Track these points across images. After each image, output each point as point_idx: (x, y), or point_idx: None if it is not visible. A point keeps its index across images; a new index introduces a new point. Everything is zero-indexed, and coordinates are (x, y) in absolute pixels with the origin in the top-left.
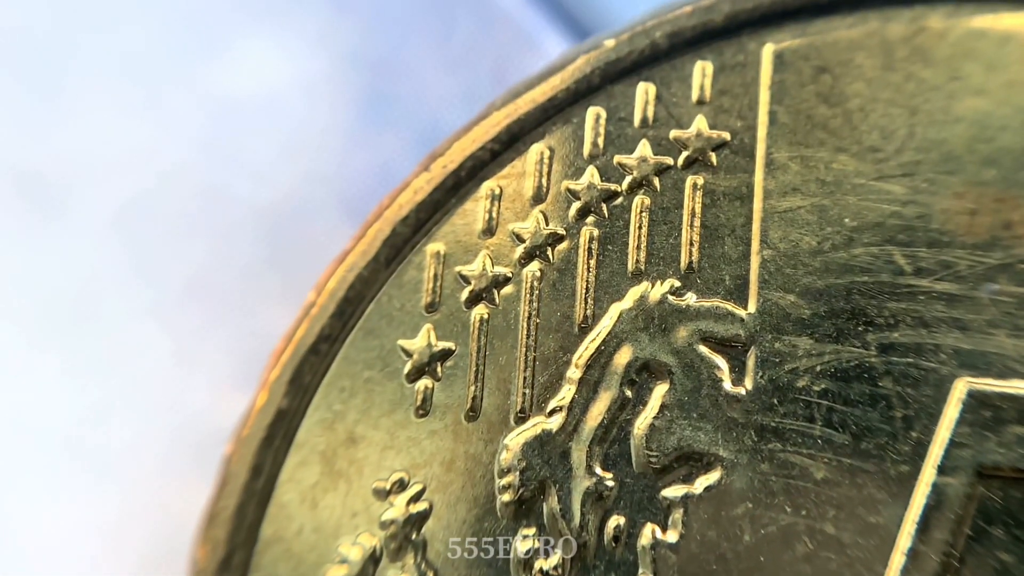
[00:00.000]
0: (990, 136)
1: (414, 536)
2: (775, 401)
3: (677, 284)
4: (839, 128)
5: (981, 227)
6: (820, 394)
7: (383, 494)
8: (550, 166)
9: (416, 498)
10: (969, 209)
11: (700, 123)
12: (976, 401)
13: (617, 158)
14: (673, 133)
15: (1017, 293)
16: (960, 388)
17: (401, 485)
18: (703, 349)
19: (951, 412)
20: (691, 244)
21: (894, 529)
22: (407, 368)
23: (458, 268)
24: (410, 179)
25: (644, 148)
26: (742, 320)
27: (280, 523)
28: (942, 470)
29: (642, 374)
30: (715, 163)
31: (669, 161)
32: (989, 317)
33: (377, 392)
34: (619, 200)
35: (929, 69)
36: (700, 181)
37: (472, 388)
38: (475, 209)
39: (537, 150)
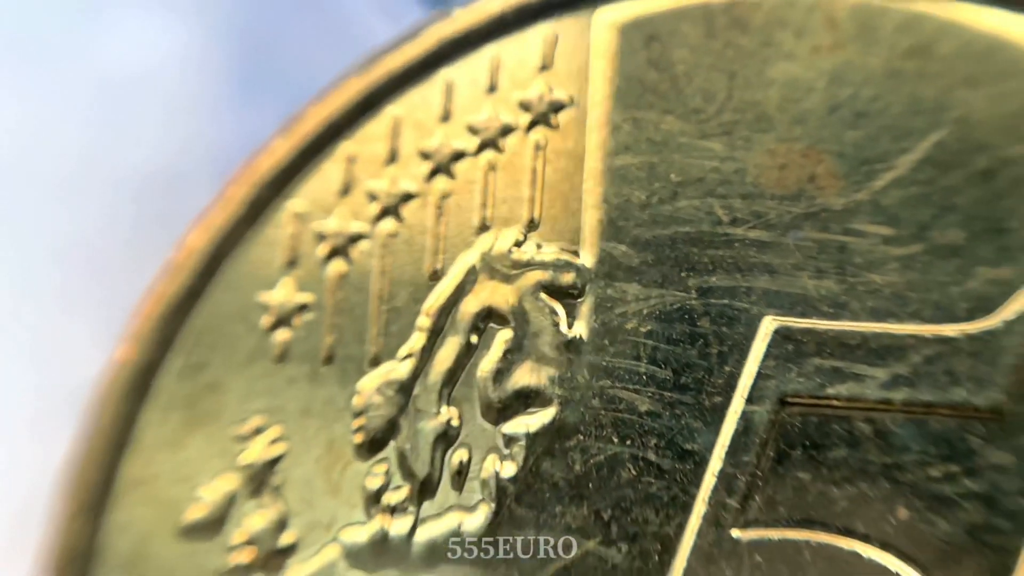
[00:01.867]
0: (798, 97)
1: (271, 477)
2: (606, 343)
3: (520, 237)
4: (667, 92)
5: (789, 180)
6: (646, 335)
7: (242, 438)
8: (403, 129)
9: (273, 441)
10: (779, 164)
11: (542, 87)
12: (781, 336)
13: (466, 121)
14: (518, 97)
15: (819, 239)
16: (767, 325)
17: (259, 429)
18: (543, 297)
19: (759, 347)
20: (533, 200)
21: (708, 454)
22: (267, 320)
23: (316, 226)
24: (270, 142)
25: (491, 111)
26: (579, 269)
27: (141, 467)
28: (750, 400)
29: (486, 321)
30: (556, 124)
31: (514, 123)
32: (795, 261)
33: (238, 343)
34: (468, 160)
35: (746, 36)
36: (542, 141)
37: (328, 338)
38: (332, 170)
39: (391, 114)
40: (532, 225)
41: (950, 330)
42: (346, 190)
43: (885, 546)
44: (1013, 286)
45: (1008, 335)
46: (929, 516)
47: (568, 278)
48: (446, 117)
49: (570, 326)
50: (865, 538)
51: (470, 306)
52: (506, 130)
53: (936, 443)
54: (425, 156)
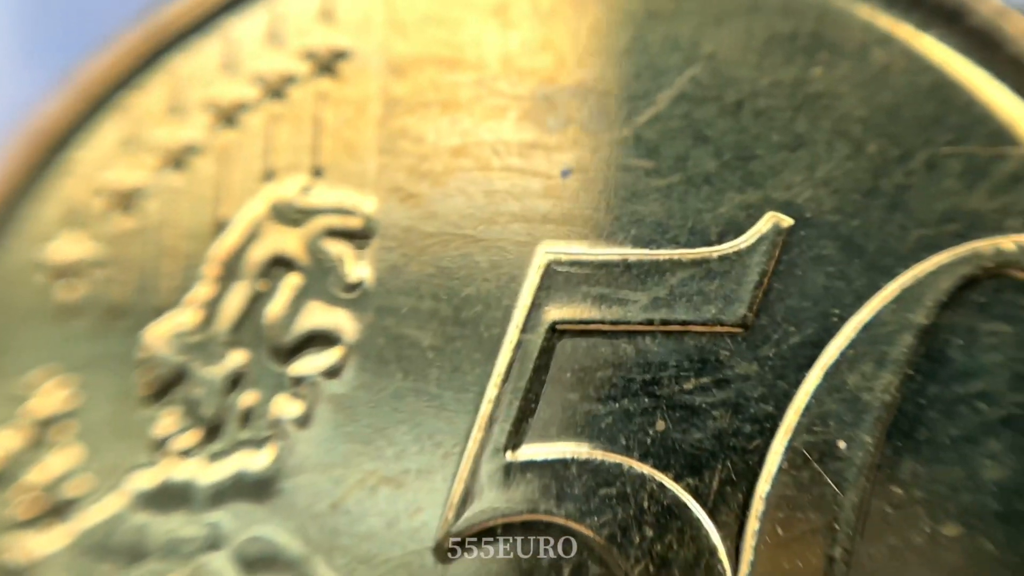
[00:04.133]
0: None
1: (57, 430)
2: (391, 283)
3: (305, 184)
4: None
5: (560, 118)
6: (429, 274)
7: (24, 394)
8: (184, 81)
9: (59, 394)
10: (551, 104)
11: (326, 37)
12: (552, 267)
13: (248, 71)
14: (299, 46)
15: (587, 175)
16: (540, 257)
17: (43, 384)
18: (329, 241)
19: (532, 278)
20: (317, 148)
21: (485, 383)
22: (50, 276)
23: (97, 179)
24: (49, 97)
25: (273, 61)
26: (364, 215)
27: None
28: (524, 329)
29: (274, 267)
30: (339, 73)
31: (296, 72)
32: (566, 195)
33: (21, 300)
34: (250, 110)
35: None
36: (325, 90)
37: (113, 291)
38: (113, 124)
39: (172, 66)
40: (318, 172)
41: (703, 253)
42: (127, 143)
43: (644, 457)
44: (760, 210)
45: (752, 255)
46: (683, 426)
47: (353, 222)
48: (228, 68)
49: (356, 269)
50: (627, 450)
51: (257, 253)
52: (288, 79)
53: (690, 358)
54: (207, 107)
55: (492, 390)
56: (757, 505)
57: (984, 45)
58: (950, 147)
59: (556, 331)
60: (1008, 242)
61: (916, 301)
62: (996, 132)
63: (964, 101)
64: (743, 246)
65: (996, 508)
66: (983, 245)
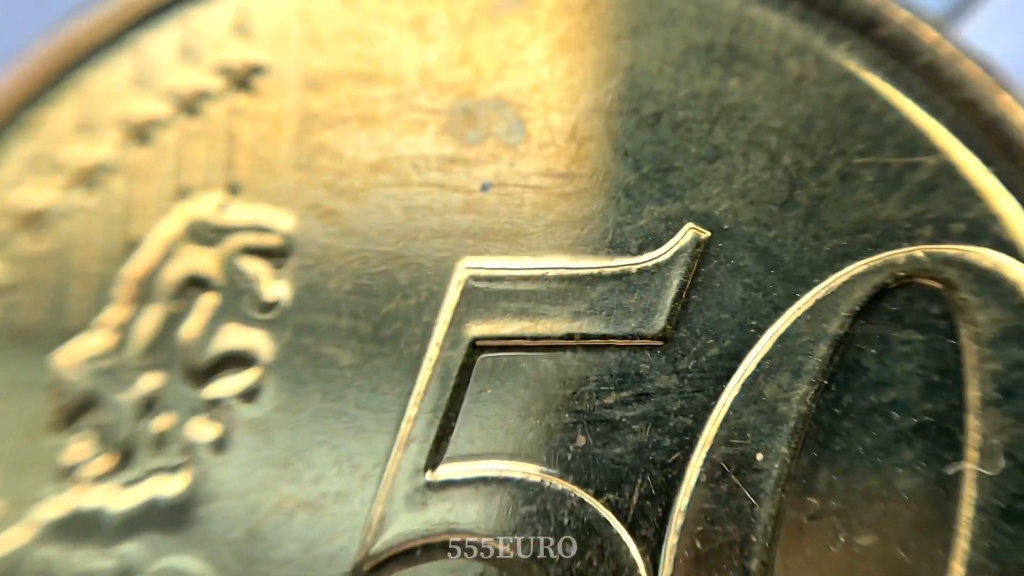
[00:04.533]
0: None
1: None
2: (309, 301)
3: (221, 202)
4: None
5: (478, 134)
6: (348, 292)
7: None
8: (94, 97)
9: None
10: (469, 118)
11: (241, 52)
12: (472, 282)
13: (160, 87)
14: (216, 61)
15: (506, 189)
16: (460, 272)
17: None
18: (246, 260)
19: (452, 294)
20: (232, 164)
21: (405, 402)
22: None
23: (7, 202)
24: None
25: (189, 76)
26: (281, 232)
27: None
28: (444, 346)
29: (189, 287)
30: (255, 88)
31: (210, 88)
32: (486, 209)
33: None
34: (162, 126)
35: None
36: (240, 105)
37: (21, 314)
38: (22, 143)
39: (86, 81)
40: (233, 190)
41: (622, 266)
42: (35, 162)
43: (565, 473)
44: (679, 222)
45: (671, 267)
46: (603, 441)
47: (270, 240)
48: (140, 83)
49: (273, 288)
50: (547, 467)
51: (171, 274)
52: (203, 95)
53: (610, 372)
54: (118, 124)
55: (411, 409)
56: (676, 519)
57: (896, 55)
58: (863, 157)
59: (476, 347)
60: (919, 251)
61: (831, 311)
62: (908, 141)
63: (877, 111)
64: (662, 259)
65: (909, 516)
66: (895, 254)
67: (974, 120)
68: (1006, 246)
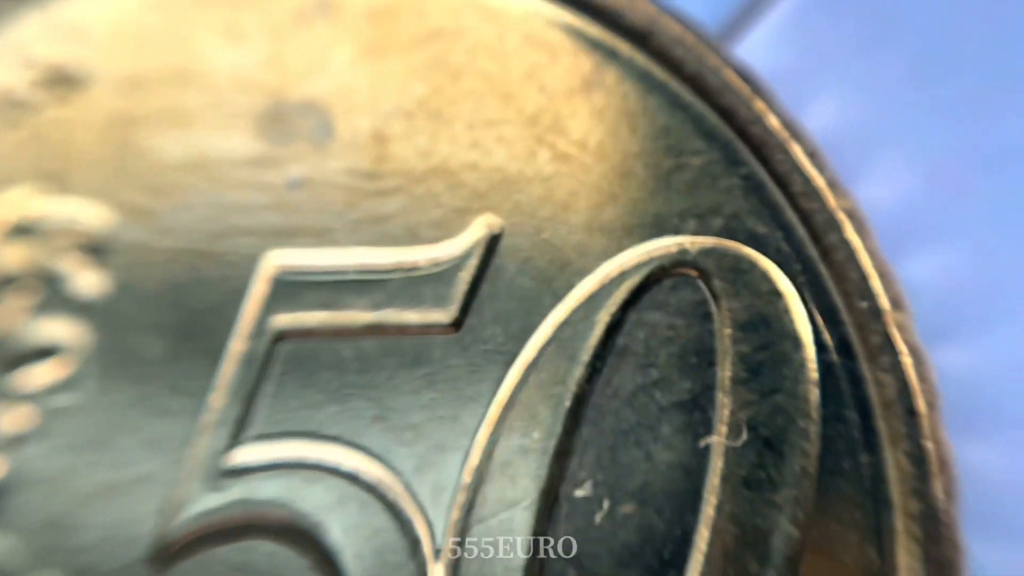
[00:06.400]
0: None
1: None
2: (124, 297)
3: (34, 199)
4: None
5: (282, 133)
6: (160, 289)
7: None
8: None
9: None
10: (277, 118)
11: (51, 51)
12: (278, 277)
13: None
14: (25, 60)
15: (314, 186)
16: (266, 265)
17: None
18: (60, 257)
19: (258, 287)
20: (46, 164)
21: (211, 392)
22: None
23: None
24: None
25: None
26: (95, 230)
27: None
28: (249, 337)
29: (2, 282)
30: (67, 88)
31: (21, 86)
32: (292, 204)
33: None
34: None
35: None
36: (53, 105)
37: None
38: None
39: None
40: (46, 188)
41: (418, 256)
42: None
43: (362, 453)
44: (473, 215)
45: (465, 259)
46: (397, 423)
47: (84, 238)
48: None
49: (87, 284)
50: (345, 447)
51: None
52: (12, 94)
53: (405, 358)
54: None
55: (214, 397)
56: (459, 496)
57: (666, 65)
58: (638, 158)
59: (280, 339)
60: (683, 244)
61: (605, 299)
62: (677, 144)
63: (651, 116)
64: (457, 251)
65: (665, 486)
66: (663, 247)
67: (731, 124)
68: (755, 239)
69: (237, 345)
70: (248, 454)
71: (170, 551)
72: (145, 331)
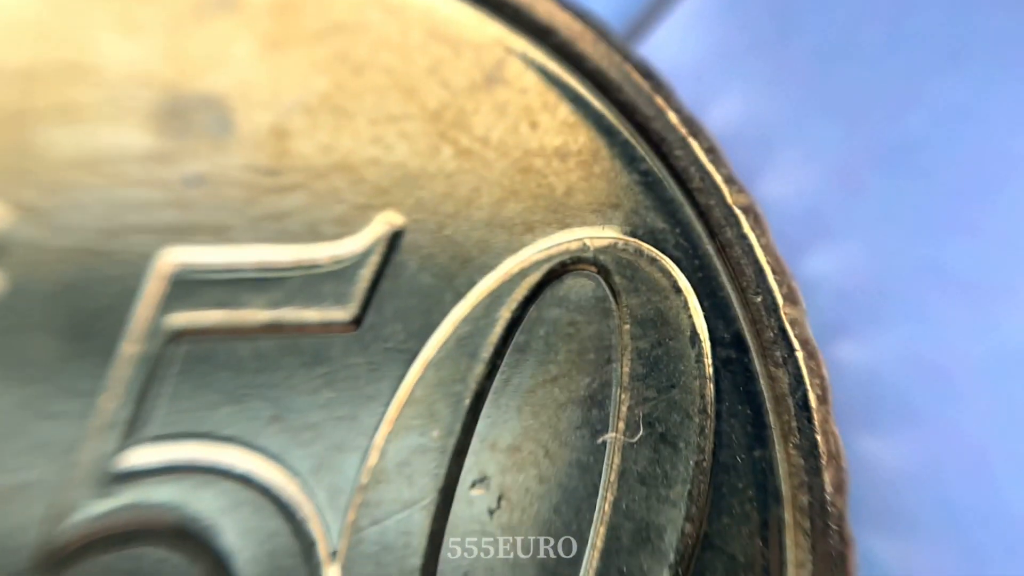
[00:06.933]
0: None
1: None
2: (13, 300)
3: None
4: None
5: (177, 135)
6: (54, 290)
7: None
8: None
9: None
10: (173, 116)
11: None
12: (173, 275)
13: None
14: None
15: (211, 184)
16: (160, 263)
17: None
18: None
19: (153, 286)
20: None
21: (103, 390)
22: None
23: None
24: None
25: None
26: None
27: None
28: (143, 337)
29: None
30: None
31: None
32: (189, 202)
33: None
34: None
35: None
36: None
37: None
38: None
39: None
40: None
41: (319, 253)
42: None
43: (259, 454)
44: (374, 212)
45: (366, 256)
46: (297, 424)
47: None
48: None
49: None
50: (241, 448)
51: None
52: None
53: (303, 357)
54: None
55: (105, 399)
56: (357, 498)
57: (568, 61)
58: (538, 155)
59: (176, 338)
60: (583, 241)
61: (505, 296)
62: (578, 139)
63: (550, 112)
64: (357, 248)
65: (562, 482)
66: (563, 244)
67: (631, 120)
68: (653, 235)
69: (130, 345)
70: (140, 457)
71: (55, 560)
72: (36, 332)
